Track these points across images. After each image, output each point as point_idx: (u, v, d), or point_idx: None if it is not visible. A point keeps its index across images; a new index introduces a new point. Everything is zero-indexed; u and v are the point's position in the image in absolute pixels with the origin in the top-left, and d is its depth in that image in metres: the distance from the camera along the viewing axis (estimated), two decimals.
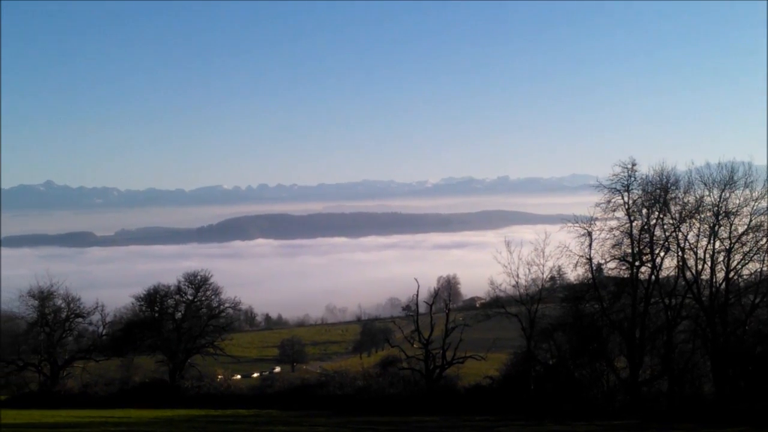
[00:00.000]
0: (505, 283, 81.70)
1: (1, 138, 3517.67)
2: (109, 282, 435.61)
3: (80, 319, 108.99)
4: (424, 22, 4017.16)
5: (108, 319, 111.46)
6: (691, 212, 71.26)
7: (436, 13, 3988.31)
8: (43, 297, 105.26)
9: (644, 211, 72.14)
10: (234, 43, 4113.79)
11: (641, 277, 72.67)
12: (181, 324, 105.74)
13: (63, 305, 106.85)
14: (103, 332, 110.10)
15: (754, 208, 70.49)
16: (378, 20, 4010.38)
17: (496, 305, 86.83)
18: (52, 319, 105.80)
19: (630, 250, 71.90)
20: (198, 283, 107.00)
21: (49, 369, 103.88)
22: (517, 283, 79.99)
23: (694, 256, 71.69)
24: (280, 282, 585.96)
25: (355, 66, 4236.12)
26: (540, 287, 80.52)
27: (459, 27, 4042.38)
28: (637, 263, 71.87)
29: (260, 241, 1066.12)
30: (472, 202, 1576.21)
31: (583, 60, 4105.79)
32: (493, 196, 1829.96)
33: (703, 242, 71.37)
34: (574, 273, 77.97)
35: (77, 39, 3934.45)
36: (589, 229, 72.92)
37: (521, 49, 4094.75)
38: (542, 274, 79.83)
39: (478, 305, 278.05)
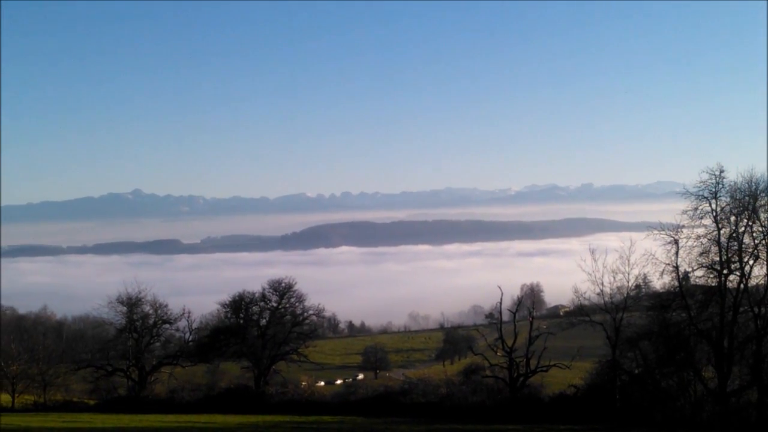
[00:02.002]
0: (589, 291, 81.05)
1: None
2: (196, 289, 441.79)
3: (167, 326, 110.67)
4: (513, 26, 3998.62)
5: (194, 326, 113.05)
6: None
7: (524, 19, 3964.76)
8: (132, 303, 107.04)
9: (732, 218, 70.72)
10: (318, 51, 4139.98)
11: (729, 285, 71.27)
12: (265, 331, 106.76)
13: (151, 311, 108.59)
14: (190, 338, 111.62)
15: None
16: (464, 26, 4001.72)
17: (581, 313, 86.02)
18: (140, 325, 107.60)
19: (718, 258, 70.61)
20: (282, 290, 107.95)
21: (137, 374, 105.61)
22: (601, 291, 79.20)
23: None
24: (364, 289, 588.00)
25: (438, 74, 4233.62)
26: (625, 295, 79.47)
27: (544, 33, 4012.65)
28: (725, 271, 70.52)
29: (344, 248, 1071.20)
30: (556, 210, 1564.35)
31: (669, 63, 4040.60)
32: (577, 204, 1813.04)
33: None
34: (660, 281, 76.77)
35: (162, 50, 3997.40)
36: (676, 237, 71.73)
37: (603, 53, 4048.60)
38: (627, 282, 78.85)
39: (561, 313, 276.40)
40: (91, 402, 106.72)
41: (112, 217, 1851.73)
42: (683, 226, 71.99)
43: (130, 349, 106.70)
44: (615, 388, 78.09)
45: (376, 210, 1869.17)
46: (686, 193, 71.09)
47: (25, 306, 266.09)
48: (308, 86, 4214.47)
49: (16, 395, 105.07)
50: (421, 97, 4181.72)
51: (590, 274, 78.86)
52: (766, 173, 70.26)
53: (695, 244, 71.40)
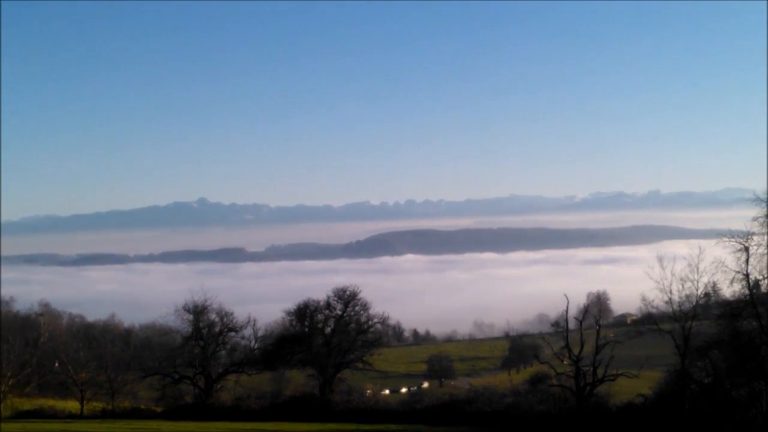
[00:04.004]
0: (657, 299, 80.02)
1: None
2: (261, 297, 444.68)
3: (233, 333, 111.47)
4: (585, 32, 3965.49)
5: (260, 334, 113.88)
6: None
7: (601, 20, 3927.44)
8: (198, 311, 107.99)
9: None
10: (383, 62, 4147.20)
11: None
12: (330, 339, 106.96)
13: (216, 319, 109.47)
14: (255, 346, 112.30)
15: None
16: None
17: (649, 322, 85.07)
18: (206, 333, 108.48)
19: None
20: (347, 298, 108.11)
21: (203, 382, 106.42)
22: (670, 299, 78.19)
23: None
24: (429, 297, 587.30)
25: (503, 82, 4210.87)
26: (694, 303, 78.39)
27: (612, 40, 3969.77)
28: None
29: (409, 256, 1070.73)
30: (622, 217, 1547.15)
31: (738, 69, 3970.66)
32: (644, 211, 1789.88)
33: None
34: (730, 289, 75.56)
35: (228, 59, 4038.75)
36: (746, 244, 70.51)
37: (670, 60, 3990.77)
38: (696, 290, 77.76)
39: (629, 322, 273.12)
40: (159, 409, 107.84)
41: (178, 226, 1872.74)
42: (754, 233, 70.83)
43: (196, 356, 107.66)
44: (684, 398, 77.00)
45: (440, 218, 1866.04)
46: (756, 200, 69.99)
47: (93, 314, 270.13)
48: (374, 97, 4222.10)
49: (85, 402, 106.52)
50: (486, 105, 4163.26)
51: (658, 282, 77.96)
52: None
53: (766, 251, 70.17)
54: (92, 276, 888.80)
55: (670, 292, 77.89)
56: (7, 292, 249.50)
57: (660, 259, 78.05)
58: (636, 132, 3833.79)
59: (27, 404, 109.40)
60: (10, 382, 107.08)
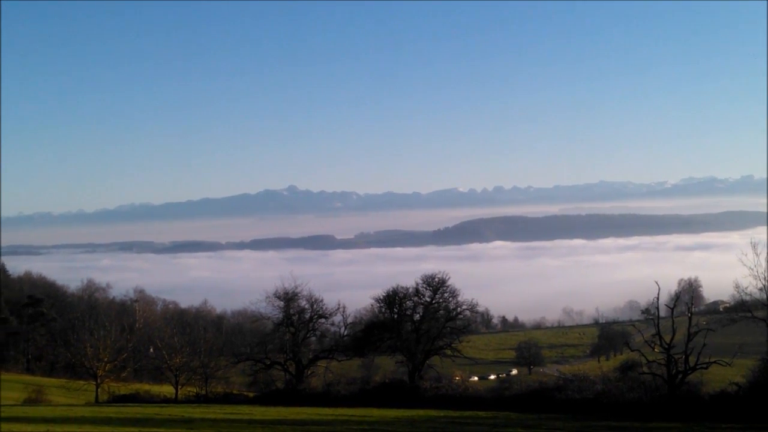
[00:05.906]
0: (751, 286, 78.78)
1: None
2: (350, 283, 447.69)
3: (323, 320, 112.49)
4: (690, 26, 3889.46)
5: (349, 320, 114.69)
6: None
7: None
8: (288, 298, 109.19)
9: None
10: (475, 48, 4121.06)
11: None
12: (419, 325, 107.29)
13: (307, 306, 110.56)
14: (345, 333, 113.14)
15: None
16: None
17: (742, 309, 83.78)
18: (296, 319, 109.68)
19: None
20: (436, 285, 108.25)
21: (294, 367, 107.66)
22: (764, 286, 76.92)
23: None
24: (517, 284, 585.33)
25: (594, 68, 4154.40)
26: None
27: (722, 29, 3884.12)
28: None
29: (498, 243, 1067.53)
30: (715, 203, 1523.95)
31: None
32: (737, 196, 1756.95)
33: None
34: None
35: (315, 46, 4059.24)
36: None
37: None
38: None
39: (721, 309, 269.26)
40: (251, 394, 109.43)
41: (268, 213, 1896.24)
42: None
43: (287, 342, 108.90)
44: None
45: (528, 204, 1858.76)
46: None
47: (186, 300, 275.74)
48: (462, 82, 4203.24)
49: (179, 387, 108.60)
50: (575, 90, 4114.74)
51: (752, 269, 76.79)
52: None
53: None
54: (185, 263, 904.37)
55: (765, 278, 76.72)
56: (104, 278, 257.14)
57: (754, 246, 76.91)
58: (727, 116, 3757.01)
59: (123, 389, 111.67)
60: (107, 367, 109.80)
